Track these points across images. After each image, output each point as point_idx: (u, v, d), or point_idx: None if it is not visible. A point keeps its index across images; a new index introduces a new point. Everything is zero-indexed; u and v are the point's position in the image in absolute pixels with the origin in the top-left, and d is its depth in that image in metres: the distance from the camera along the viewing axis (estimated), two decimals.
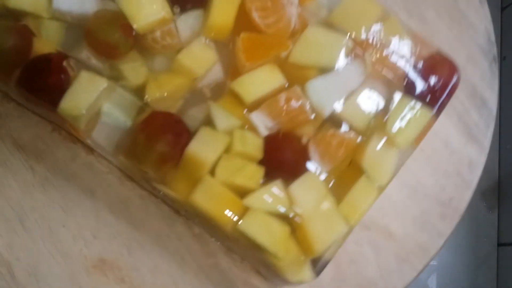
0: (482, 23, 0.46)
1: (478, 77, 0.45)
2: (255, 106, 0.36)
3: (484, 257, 0.85)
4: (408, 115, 0.36)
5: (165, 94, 0.36)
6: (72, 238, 0.39)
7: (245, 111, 0.36)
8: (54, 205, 0.40)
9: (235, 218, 0.34)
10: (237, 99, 0.36)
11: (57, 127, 0.41)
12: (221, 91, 0.37)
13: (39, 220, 0.40)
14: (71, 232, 0.40)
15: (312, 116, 0.36)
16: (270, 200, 0.34)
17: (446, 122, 0.43)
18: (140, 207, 0.40)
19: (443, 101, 0.37)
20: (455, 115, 0.44)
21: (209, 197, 0.34)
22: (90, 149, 0.41)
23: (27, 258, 0.39)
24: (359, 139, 0.36)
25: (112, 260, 0.39)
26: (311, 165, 0.35)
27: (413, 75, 0.37)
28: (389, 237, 0.42)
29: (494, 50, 0.46)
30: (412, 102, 0.37)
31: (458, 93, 0.38)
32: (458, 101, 0.43)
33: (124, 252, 0.39)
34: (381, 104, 0.37)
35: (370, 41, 0.37)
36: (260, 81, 0.36)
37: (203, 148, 0.35)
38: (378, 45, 0.37)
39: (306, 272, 0.35)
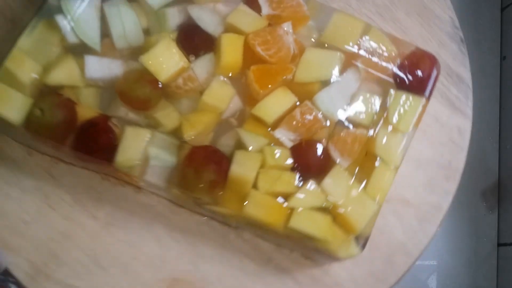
0: (446, 13, 0.53)
1: (451, 59, 0.52)
2: (275, 124, 0.43)
3: (484, 257, 0.86)
4: (404, 105, 0.43)
5: (199, 130, 0.42)
6: (144, 267, 0.46)
7: (268, 129, 0.43)
8: (121, 243, 0.46)
9: (284, 219, 0.41)
10: (259, 121, 0.43)
11: (106, 176, 0.47)
12: (243, 117, 0.43)
13: (111, 259, 0.46)
14: (141, 263, 0.46)
15: (326, 123, 0.43)
16: (309, 198, 0.41)
17: (432, 100, 0.50)
18: (193, 227, 0.47)
19: (431, 88, 0.44)
20: (438, 93, 0.51)
21: (259, 207, 0.41)
22: (137, 188, 0.47)
23: None
24: (369, 132, 0.43)
25: (183, 277, 0.46)
26: (335, 162, 0.42)
27: (401, 72, 0.44)
28: (407, 205, 0.49)
29: (460, 33, 0.53)
30: (405, 95, 0.44)
31: None
32: (439, 81, 0.50)
33: (191, 268, 0.46)
34: (379, 101, 0.44)
35: (359, 51, 0.44)
36: (276, 103, 0.43)
37: (242, 168, 0.41)
38: (366, 53, 0.44)
39: (354, 248, 0.42)
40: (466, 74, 0.52)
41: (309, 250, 0.46)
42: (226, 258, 0.47)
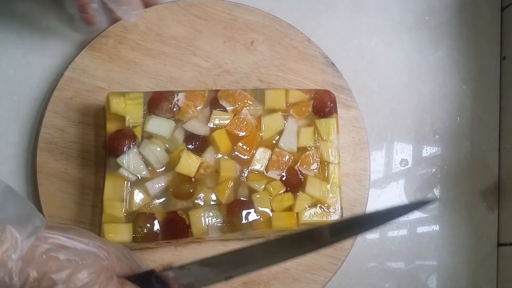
0: (316, 51, 0.81)
1: (332, 77, 0.80)
2: (266, 170, 0.70)
3: (484, 257, 0.86)
4: (327, 126, 0.72)
5: (226, 194, 0.69)
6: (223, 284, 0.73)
7: (264, 173, 0.70)
8: None
9: (296, 221, 0.69)
10: (256, 173, 0.70)
11: (177, 244, 0.72)
12: (245, 174, 0.70)
13: None
14: None
15: (291, 156, 0.71)
16: (303, 202, 0.70)
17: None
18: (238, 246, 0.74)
19: (335, 108, 0.73)
20: None
21: (280, 220, 0.69)
22: (199, 242, 0.73)
23: None
24: (318, 150, 0.72)
25: (249, 280, 0.73)
26: (307, 175, 0.71)
27: (316, 108, 0.73)
28: (348, 176, 0.79)
29: (330, 60, 0.81)
30: (324, 120, 0.72)
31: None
32: None
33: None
34: (312, 129, 0.72)
35: (289, 106, 0.72)
36: (262, 157, 0.70)
37: (261, 204, 0.69)
38: (294, 104, 0.73)
39: (337, 218, 0.71)
40: (344, 83, 0.81)
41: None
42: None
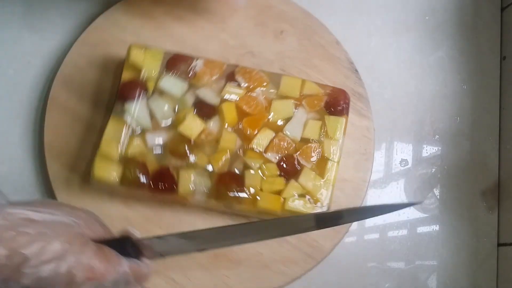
0: (342, 54, 0.82)
1: (352, 84, 0.81)
2: (265, 151, 0.71)
3: (484, 257, 0.85)
4: (335, 123, 0.73)
5: (220, 163, 0.70)
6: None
7: (262, 155, 0.71)
8: None
9: (281, 206, 0.70)
10: (255, 151, 0.71)
11: (163, 203, 0.73)
12: (244, 150, 0.71)
13: None
14: None
15: (293, 144, 0.72)
16: (293, 190, 0.70)
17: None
18: (221, 222, 0.74)
19: (347, 109, 0.74)
20: (350, 108, 0.79)
21: (266, 201, 0.69)
22: (184, 205, 0.73)
23: None
24: (320, 145, 0.72)
25: (220, 253, 0.72)
26: (304, 166, 0.71)
27: (328, 104, 0.74)
28: (345, 182, 0.78)
29: (354, 66, 0.82)
30: (333, 118, 0.73)
31: None
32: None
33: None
34: (320, 123, 0.73)
35: (303, 96, 0.73)
36: (264, 137, 0.71)
37: (252, 181, 0.69)
38: (307, 96, 0.74)
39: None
40: (363, 91, 0.81)
41: None
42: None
